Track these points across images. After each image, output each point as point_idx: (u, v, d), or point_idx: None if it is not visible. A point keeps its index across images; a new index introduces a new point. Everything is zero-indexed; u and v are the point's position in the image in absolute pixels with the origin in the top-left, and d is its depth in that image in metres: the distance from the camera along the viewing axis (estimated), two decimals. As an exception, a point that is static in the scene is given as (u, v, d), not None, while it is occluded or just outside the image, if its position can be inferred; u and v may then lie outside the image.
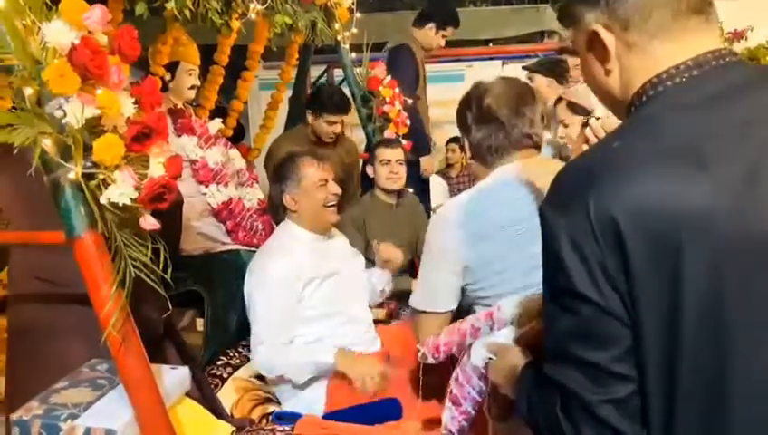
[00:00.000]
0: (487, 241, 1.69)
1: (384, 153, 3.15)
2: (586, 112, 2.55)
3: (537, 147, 1.81)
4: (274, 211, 3.33)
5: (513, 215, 1.68)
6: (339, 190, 2.36)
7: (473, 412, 1.50)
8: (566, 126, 2.65)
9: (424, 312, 1.79)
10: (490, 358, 1.34)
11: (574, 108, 2.63)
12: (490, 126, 1.74)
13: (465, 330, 1.50)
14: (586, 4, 0.90)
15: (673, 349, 0.79)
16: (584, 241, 0.79)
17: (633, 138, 0.84)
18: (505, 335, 1.38)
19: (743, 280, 0.77)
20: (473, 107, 1.78)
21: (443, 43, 4.14)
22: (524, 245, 1.63)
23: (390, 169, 3.13)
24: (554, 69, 3.57)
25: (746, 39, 4.71)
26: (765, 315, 0.77)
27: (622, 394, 0.82)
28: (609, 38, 0.88)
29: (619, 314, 0.80)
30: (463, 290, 1.77)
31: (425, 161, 4.00)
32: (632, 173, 0.79)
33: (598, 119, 2.20)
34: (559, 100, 2.76)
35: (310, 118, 3.36)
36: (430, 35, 4.05)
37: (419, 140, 3.88)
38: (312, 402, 2.15)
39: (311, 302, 2.22)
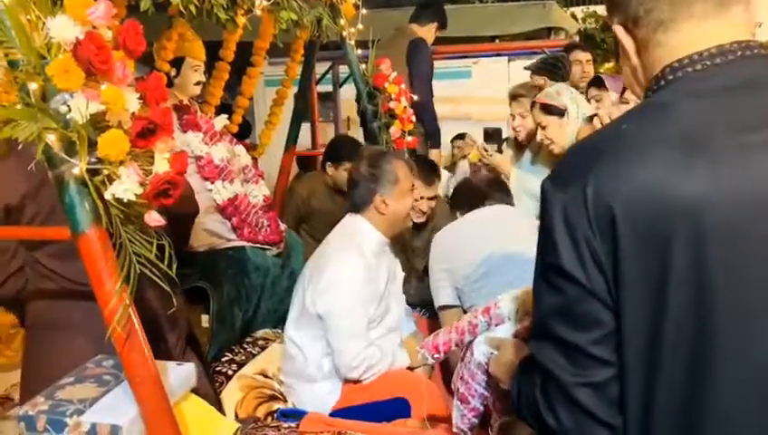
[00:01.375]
0: (475, 249, 2.23)
1: (420, 190, 2.97)
2: (560, 111, 2.65)
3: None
4: (280, 207, 3.35)
5: (498, 230, 2.28)
6: (419, 195, 2.40)
7: (482, 408, 1.52)
8: (543, 127, 2.71)
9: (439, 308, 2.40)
10: (492, 352, 1.35)
11: (548, 109, 2.68)
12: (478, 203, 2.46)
13: (463, 327, 1.54)
14: (609, 6, 0.93)
15: (656, 336, 0.79)
16: (577, 221, 0.80)
17: (641, 122, 0.84)
18: (505, 330, 1.40)
19: (731, 271, 0.76)
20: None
21: None
22: (508, 252, 2.10)
23: (419, 206, 2.98)
24: (552, 68, 3.62)
25: (754, 35, 4.70)
26: (751, 306, 0.77)
27: (600, 378, 0.82)
28: (625, 38, 0.90)
29: (602, 297, 0.81)
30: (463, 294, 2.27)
31: (435, 154, 4.05)
32: (633, 158, 0.79)
33: (594, 115, 2.44)
34: (533, 104, 2.80)
35: (330, 169, 3.54)
36: (432, 33, 4.18)
37: (435, 133, 4.03)
38: (322, 403, 2.14)
39: (372, 310, 2.21)
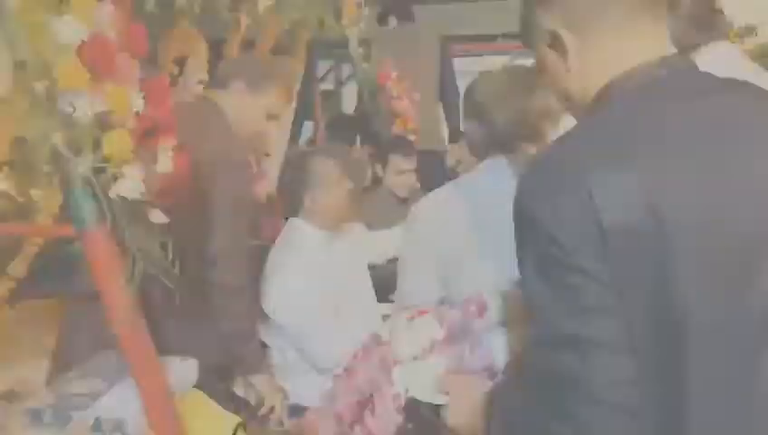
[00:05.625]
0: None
1: (399, 164, 3.10)
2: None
3: None
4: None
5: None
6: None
7: None
8: None
9: None
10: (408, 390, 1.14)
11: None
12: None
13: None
14: (543, 6, 0.90)
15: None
16: (573, 215, 0.76)
17: (594, 128, 0.85)
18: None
19: (701, 281, 0.76)
20: None
21: None
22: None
23: (402, 181, 3.11)
24: None
25: (756, 34, 4.68)
26: (722, 319, 0.77)
27: (631, 374, 0.75)
28: (567, 36, 0.88)
29: (609, 285, 0.75)
30: None
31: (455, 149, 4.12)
32: (607, 163, 0.78)
33: None
34: None
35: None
36: None
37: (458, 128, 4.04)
38: (314, 400, 2.15)
39: (332, 299, 2.23)
